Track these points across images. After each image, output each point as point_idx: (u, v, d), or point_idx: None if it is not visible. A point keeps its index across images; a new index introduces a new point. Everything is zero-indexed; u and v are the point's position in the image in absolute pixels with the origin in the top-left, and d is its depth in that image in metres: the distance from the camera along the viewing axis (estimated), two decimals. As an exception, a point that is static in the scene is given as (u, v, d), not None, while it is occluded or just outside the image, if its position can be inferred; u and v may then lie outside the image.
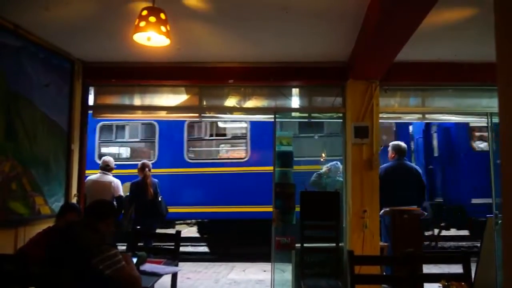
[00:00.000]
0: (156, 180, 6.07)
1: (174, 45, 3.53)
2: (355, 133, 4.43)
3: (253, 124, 7.46)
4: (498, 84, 1.54)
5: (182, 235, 4.07)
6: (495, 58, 1.55)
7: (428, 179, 8.03)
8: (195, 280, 6.00)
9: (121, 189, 5.84)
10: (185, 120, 7.49)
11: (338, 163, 5.58)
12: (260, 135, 7.36)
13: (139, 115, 5.74)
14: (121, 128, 8.46)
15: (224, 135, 9.26)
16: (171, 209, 6.63)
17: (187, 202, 7.40)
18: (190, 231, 9.68)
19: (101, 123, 7.85)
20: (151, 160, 7.68)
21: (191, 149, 8.01)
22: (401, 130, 8.00)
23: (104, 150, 8.32)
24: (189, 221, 8.78)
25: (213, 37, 3.93)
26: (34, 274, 2.59)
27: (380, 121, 4.56)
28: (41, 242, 3.06)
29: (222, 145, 9.25)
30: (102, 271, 2.42)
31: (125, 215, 6.00)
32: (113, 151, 9.16)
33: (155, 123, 7.77)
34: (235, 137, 8.84)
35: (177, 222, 8.46)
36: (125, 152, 9.32)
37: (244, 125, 7.86)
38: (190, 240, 9.40)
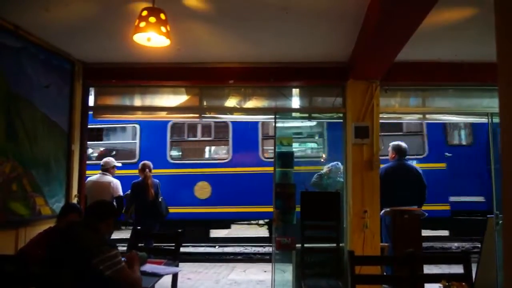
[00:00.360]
0: (157, 180, 6.08)
1: (174, 45, 3.54)
2: (356, 133, 4.42)
3: (329, 124, 7.42)
4: (498, 84, 1.54)
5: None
6: (495, 58, 1.55)
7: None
8: (196, 280, 6.01)
9: (120, 189, 5.84)
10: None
11: (339, 163, 5.57)
12: (337, 135, 7.29)
13: (139, 115, 5.74)
14: (192, 127, 8.45)
15: (300, 133, 9.21)
16: (236, 209, 6.58)
17: (260, 202, 7.36)
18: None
19: (171, 122, 7.83)
20: (224, 160, 7.70)
21: (265, 148, 7.95)
22: (477, 130, 7.87)
23: (174, 149, 8.33)
24: (258, 221, 8.76)
25: (213, 37, 3.93)
26: (35, 274, 2.59)
27: (381, 121, 4.57)
28: (42, 242, 3.06)
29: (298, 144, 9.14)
30: (102, 271, 2.42)
31: (125, 213, 6.02)
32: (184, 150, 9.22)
33: (229, 122, 7.71)
34: (310, 135, 8.79)
35: (236, 222, 8.40)
36: (197, 151, 9.31)
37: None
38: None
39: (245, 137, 7.66)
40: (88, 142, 7.98)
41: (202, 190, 7.50)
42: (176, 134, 8.19)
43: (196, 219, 7.45)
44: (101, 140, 9.13)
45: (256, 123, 7.61)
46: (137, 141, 7.95)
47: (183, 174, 6.49)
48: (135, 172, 6.28)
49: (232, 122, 7.67)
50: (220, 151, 9.01)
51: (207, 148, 9.45)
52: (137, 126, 7.95)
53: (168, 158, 7.64)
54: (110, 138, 9.53)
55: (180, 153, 8.95)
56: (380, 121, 4.55)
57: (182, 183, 7.57)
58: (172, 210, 6.82)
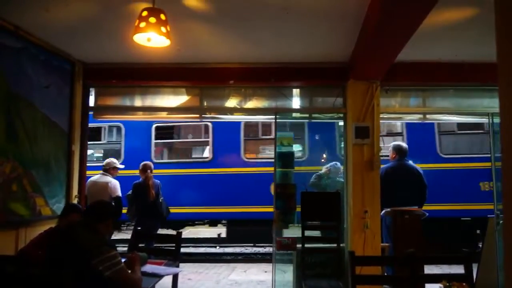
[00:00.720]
0: (158, 181, 6.07)
1: (174, 46, 3.54)
2: (356, 134, 4.42)
3: (409, 124, 7.41)
4: (499, 84, 1.53)
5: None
6: (495, 58, 1.55)
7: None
8: (196, 281, 6.00)
9: (119, 189, 5.82)
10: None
11: (338, 163, 5.56)
12: (420, 133, 7.26)
13: (140, 116, 5.74)
14: (267, 125, 8.38)
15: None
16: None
17: None
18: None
19: (245, 121, 7.79)
20: (302, 158, 7.67)
21: (343, 146, 7.85)
22: None
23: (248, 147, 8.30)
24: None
25: (213, 37, 3.93)
26: (35, 275, 2.59)
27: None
28: (42, 243, 3.06)
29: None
30: (101, 272, 2.42)
31: (127, 214, 6.03)
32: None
33: (304, 121, 7.60)
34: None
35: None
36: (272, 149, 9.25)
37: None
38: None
39: (321, 136, 7.57)
40: (158, 141, 8.02)
41: None
42: (251, 132, 8.12)
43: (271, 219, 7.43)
44: (172, 138, 9.11)
45: (334, 122, 7.33)
46: (210, 139, 7.90)
47: (259, 173, 6.41)
48: (207, 171, 6.13)
49: (308, 122, 7.55)
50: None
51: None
52: (210, 124, 7.88)
53: (243, 157, 7.61)
54: (181, 136, 9.52)
55: (254, 152, 8.88)
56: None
57: (258, 182, 7.46)
58: (246, 209, 6.75)
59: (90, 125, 8.04)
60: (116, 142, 8.38)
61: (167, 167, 6.48)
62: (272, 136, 8.37)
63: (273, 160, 6.46)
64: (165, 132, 8.53)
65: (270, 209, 5.96)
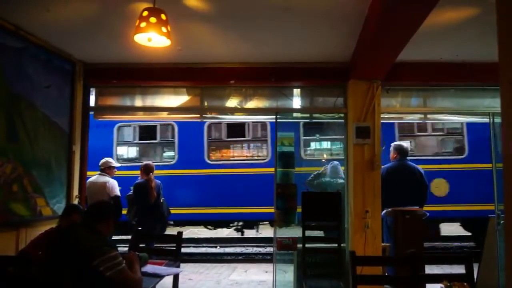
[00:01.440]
0: (159, 181, 6.06)
1: (175, 46, 3.54)
2: (357, 134, 4.41)
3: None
4: (500, 84, 1.53)
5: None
6: (497, 58, 1.54)
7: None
8: (197, 281, 6.00)
9: (117, 189, 5.80)
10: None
11: (337, 162, 5.54)
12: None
13: (140, 116, 5.75)
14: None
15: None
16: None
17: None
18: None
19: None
20: (461, 156, 7.58)
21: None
22: None
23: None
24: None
25: (214, 37, 3.92)
26: (35, 275, 2.59)
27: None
28: (43, 243, 3.06)
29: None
30: (102, 272, 2.41)
31: (128, 215, 6.02)
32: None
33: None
34: None
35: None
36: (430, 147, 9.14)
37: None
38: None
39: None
40: (306, 137, 7.87)
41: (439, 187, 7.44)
42: (406, 130, 8.03)
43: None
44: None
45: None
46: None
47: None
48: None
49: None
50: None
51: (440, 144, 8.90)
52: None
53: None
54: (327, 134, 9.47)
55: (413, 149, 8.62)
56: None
57: None
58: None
59: (234, 120, 7.71)
60: (262, 138, 8.31)
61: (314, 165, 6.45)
62: (429, 133, 8.22)
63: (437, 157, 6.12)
64: (313, 128, 8.22)
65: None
